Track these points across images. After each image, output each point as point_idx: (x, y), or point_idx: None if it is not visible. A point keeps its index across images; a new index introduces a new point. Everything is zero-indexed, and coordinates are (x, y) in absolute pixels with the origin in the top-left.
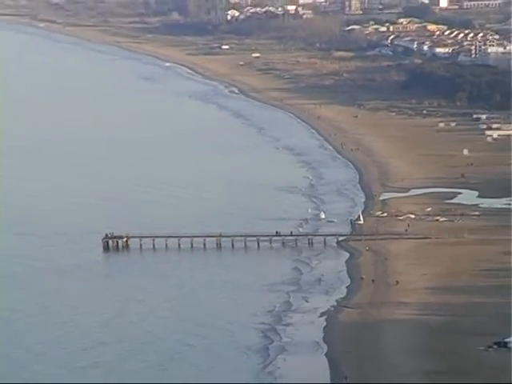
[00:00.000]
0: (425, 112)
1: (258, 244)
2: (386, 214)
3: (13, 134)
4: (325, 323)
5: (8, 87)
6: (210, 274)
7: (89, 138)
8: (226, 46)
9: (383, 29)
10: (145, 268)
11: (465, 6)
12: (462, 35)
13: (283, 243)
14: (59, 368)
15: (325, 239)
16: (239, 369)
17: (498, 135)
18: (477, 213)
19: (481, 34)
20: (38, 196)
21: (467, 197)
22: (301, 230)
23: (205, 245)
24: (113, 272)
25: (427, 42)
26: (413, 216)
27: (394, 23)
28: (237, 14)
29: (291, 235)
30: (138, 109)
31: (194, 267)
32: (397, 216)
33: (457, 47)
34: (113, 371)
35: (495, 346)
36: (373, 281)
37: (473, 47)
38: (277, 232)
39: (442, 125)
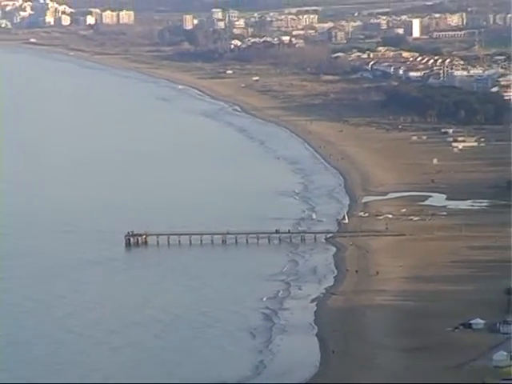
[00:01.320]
0: (400, 127)
1: (258, 240)
2: (367, 215)
3: (43, 147)
4: (315, 308)
5: (43, 105)
6: (220, 267)
7: (116, 151)
8: (230, 71)
9: (364, 56)
10: (163, 261)
11: (434, 36)
12: (431, 61)
13: (280, 239)
14: (97, 346)
15: (315, 236)
16: (247, 346)
17: (463, 147)
18: (445, 213)
19: (448, 60)
20: (70, 201)
21: (437, 199)
22: (297, 228)
23: (212, 241)
24: (136, 265)
25: (402, 67)
26: (390, 216)
27: (373, 51)
28: (239, 43)
29: (288, 232)
30: (156, 124)
31: (204, 261)
32: (376, 216)
33: (427, 71)
34: (144, 349)
35: (461, 327)
36: (356, 271)
37: (441, 71)
38: (276, 230)
39: (414, 138)
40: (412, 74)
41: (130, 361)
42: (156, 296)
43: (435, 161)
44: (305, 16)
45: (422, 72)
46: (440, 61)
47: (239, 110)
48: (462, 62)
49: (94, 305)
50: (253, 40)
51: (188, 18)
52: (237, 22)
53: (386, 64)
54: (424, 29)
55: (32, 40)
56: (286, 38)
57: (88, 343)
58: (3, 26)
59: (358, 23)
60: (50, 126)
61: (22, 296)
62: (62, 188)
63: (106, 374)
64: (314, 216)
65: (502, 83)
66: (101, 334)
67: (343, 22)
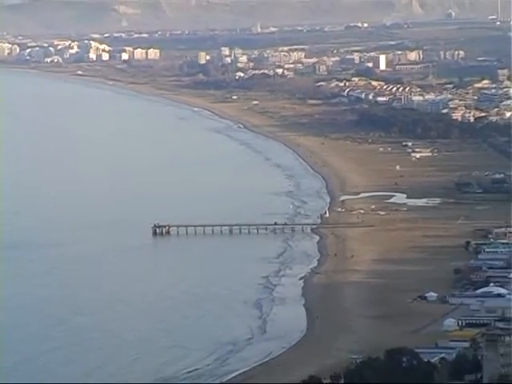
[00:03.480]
0: (370, 141)
1: (258, 230)
2: (344, 210)
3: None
4: (303, 284)
5: (89, 120)
6: (229, 252)
7: (145, 158)
8: (235, 97)
9: (342, 84)
10: (184, 248)
11: (397, 69)
12: (395, 88)
13: (275, 230)
14: (143, 315)
15: (303, 227)
16: (253, 314)
17: (420, 156)
18: (405, 209)
19: (408, 88)
20: (108, 199)
21: (399, 198)
22: (293, 220)
23: (221, 231)
24: (163, 250)
25: (371, 93)
26: (362, 211)
27: (349, 80)
28: (242, 74)
29: (281, 224)
30: (177, 137)
31: (216, 247)
32: (351, 211)
33: (392, 97)
34: (180, 317)
35: (418, 299)
36: (335, 255)
37: (402, 96)
38: (275, 222)
39: (381, 149)
40: (379, 98)
41: (169, 326)
42: (182, 275)
43: (398, 167)
44: (294, 53)
45: (388, 97)
46: (401, 88)
47: (242, 127)
48: (418, 89)
49: (135, 282)
50: (253, 72)
51: (202, 54)
52: (240, 58)
53: (359, 91)
54: (389, 63)
55: (78, 72)
56: (279, 70)
57: (135, 311)
58: (55, 61)
59: (337, 58)
60: (93, 136)
61: (76, 275)
62: (101, 190)
63: (150, 335)
64: (303, 211)
65: (451, 106)
66: (145, 305)
67: (325, 58)
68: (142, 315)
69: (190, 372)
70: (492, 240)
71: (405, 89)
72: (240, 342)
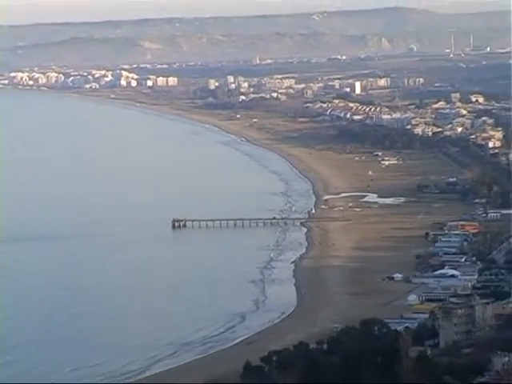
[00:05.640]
0: (348, 151)
1: (257, 224)
2: (327, 207)
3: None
4: (294, 267)
5: (120, 132)
6: (234, 241)
7: (164, 165)
8: (239, 116)
9: (325, 105)
10: (198, 238)
11: (369, 93)
12: (368, 108)
13: (271, 223)
14: (173, 293)
15: (293, 221)
16: (254, 291)
17: (388, 163)
18: (376, 206)
19: (378, 108)
20: (132, 199)
21: (371, 197)
22: (289, 215)
23: (227, 225)
24: (181, 240)
25: (349, 113)
26: (342, 208)
27: (330, 102)
28: (244, 98)
29: (275, 219)
30: (191, 148)
31: (224, 238)
32: (333, 208)
33: (365, 115)
34: (199, 295)
35: (387, 279)
36: (320, 243)
37: (374, 115)
38: (274, 217)
39: (357, 158)
40: (355, 117)
41: (193, 302)
42: (200, 260)
43: (370, 173)
44: (286, 80)
45: (362, 116)
46: (373, 108)
47: (244, 140)
48: (387, 109)
49: (163, 266)
50: (253, 96)
51: (211, 81)
52: (243, 84)
53: (339, 111)
54: (363, 88)
55: (112, 96)
56: (274, 94)
57: (166, 289)
58: (93, 87)
59: (321, 84)
60: (123, 145)
61: (112, 260)
62: (129, 191)
63: (178, 310)
64: (293, 208)
65: (413, 123)
66: (174, 284)
67: (311, 84)
68: (172, 293)
69: (207, 339)
70: (447, 231)
71: (376, 109)
72: (247, 313)
